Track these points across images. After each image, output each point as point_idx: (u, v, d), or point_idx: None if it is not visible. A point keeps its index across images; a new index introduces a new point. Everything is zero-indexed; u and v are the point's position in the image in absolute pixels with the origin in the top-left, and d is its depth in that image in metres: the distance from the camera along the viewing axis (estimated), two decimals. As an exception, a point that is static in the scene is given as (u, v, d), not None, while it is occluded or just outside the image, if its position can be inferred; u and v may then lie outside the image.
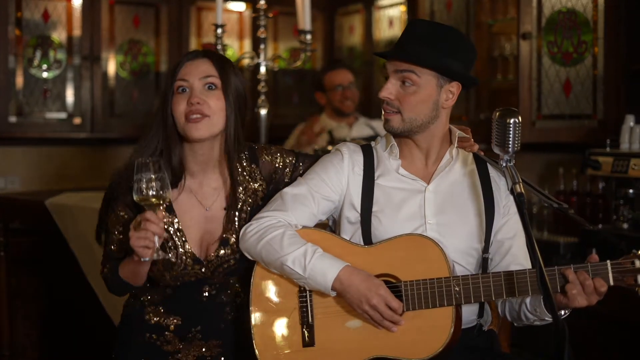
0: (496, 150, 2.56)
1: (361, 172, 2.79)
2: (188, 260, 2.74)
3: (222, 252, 2.77)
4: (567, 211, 2.78)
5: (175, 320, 2.81)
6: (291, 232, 2.67)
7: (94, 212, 4.51)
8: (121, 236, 2.77)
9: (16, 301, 5.38)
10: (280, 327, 2.70)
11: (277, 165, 2.90)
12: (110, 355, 2.91)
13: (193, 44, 6.67)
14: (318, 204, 2.77)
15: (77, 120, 6.29)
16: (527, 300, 2.67)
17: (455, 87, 2.73)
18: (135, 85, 6.52)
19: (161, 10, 6.56)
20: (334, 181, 2.78)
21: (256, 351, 2.68)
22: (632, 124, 4.45)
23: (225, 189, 2.82)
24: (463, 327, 2.67)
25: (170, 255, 2.66)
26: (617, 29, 4.58)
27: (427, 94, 2.70)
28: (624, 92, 4.59)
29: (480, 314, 2.79)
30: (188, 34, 6.65)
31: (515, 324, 2.85)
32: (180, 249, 2.73)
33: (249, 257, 2.73)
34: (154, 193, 2.44)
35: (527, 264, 2.79)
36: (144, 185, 2.44)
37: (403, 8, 6.31)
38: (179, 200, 2.78)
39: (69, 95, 6.25)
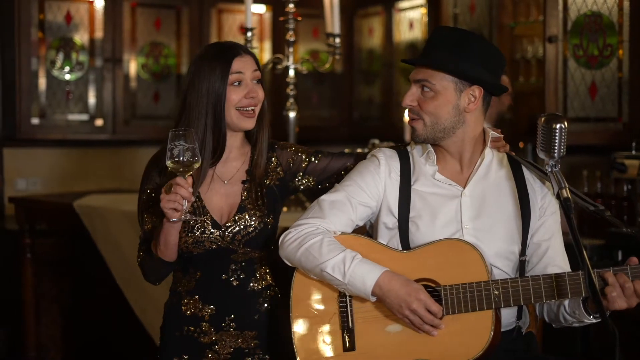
0: (541, 155, 2.57)
1: (398, 178, 2.81)
2: (207, 223, 2.86)
3: (238, 216, 2.88)
4: (604, 213, 2.78)
5: (209, 310, 2.91)
6: (329, 239, 2.69)
7: (124, 214, 4.58)
8: (150, 214, 2.92)
9: (41, 302, 5.41)
10: (321, 332, 2.72)
11: (292, 154, 3.02)
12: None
13: (214, 47, 6.67)
14: (355, 210, 2.78)
15: (98, 122, 6.32)
16: (566, 302, 2.68)
17: (477, 91, 2.75)
18: (156, 87, 6.55)
19: (182, 12, 6.59)
20: (371, 187, 2.80)
21: (297, 357, 2.70)
22: (657, 126, 4.46)
23: (244, 166, 2.97)
24: (502, 329, 2.68)
25: (194, 216, 2.83)
26: (644, 32, 4.58)
27: (445, 99, 2.73)
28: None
29: (519, 316, 2.80)
30: (209, 36, 6.67)
31: (553, 325, 2.86)
32: (202, 217, 2.87)
33: (289, 265, 2.75)
34: (185, 160, 2.61)
35: (564, 265, 2.80)
36: (175, 152, 2.60)
37: (424, 10, 6.32)
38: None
39: (91, 97, 6.28)
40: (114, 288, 4.84)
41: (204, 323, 2.92)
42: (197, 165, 2.66)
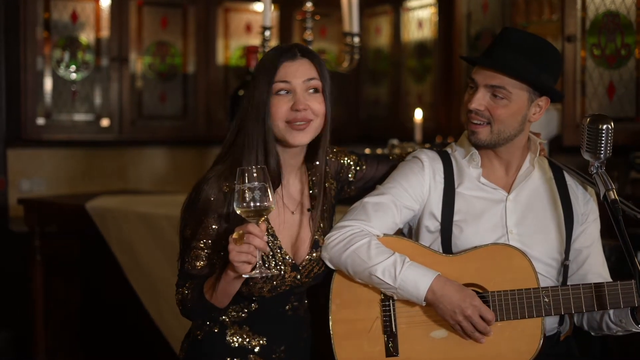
0: (586, 156, 2.53)
1: (442, 181, 2.76)
2: (286, 267, 2.60)
3: (314, 254, 2.66)
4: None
5: (260, 341, 2.68)
6: (377, 242, 2.64)
7: (138, 216, 4.52)
8: (207, 251, 2.55)
9: (50, 304, 5.34)
10: (362, 337, 2.66)
11: (342, 163, 2.82)
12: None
13: (220, 45, 6.62)
14: (400, 213, 2.73)
15: (104, 122, 6.24)
16: (611, 311, 2.65)
17: (544, 102, 2.70)
18: (163, 87, 6.47)
19: (189, 11, 6.52)
20: (416, 190, 2.75)
21: (338, 362, 2.66)
22: (676, 126, 4.44)
23: (305, 190, 2.69)
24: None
25: (270, 270, 2.49)
26: (660, 31, 4.56)
27: (517, 108, 2.66)
28: (668, 95, 4.58)
29: (561, 322, 2.77)
30: (215, 35, 6.60)
31: (592, 333, 2.83)
32: (279, 257, 2.59)
33: (331, 267, 2.69)
34: (259, 204, 2.28)
35: (604, 273, 2.78)
36: (247, 196, 2.28)
37: (433, 10, 6.27)
38: None
39: (97, 97, 6.20)
40: (126, 291, 4.79)
41: (252, 355, 2.67)
42: (272, 209, 2.30)
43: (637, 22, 4.61)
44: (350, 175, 2.84)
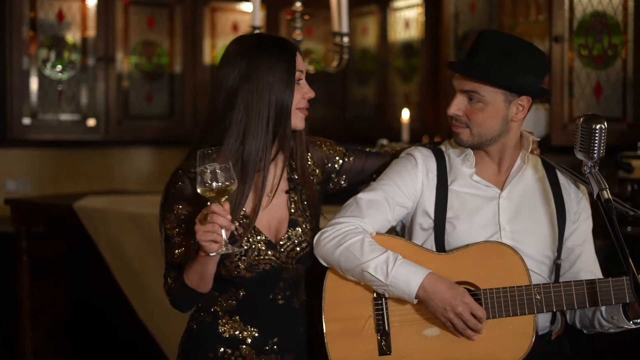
0: (580, 156, 2.54)
1: (435, 178, 2.76)
2: (261, 245, 2.64)
3: (292, 233, 2.69)
4: (641, 218, 2.78)
5: (252, 333, 2.70)
6: (370, 239, 2.63)
7: (127, 216, 4.51)
8: (181, 237, 2.61)
9: (37, 305, 5.32)
10: (355, 335, 2.65)
11: (327, 153, 2.86)
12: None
13: (207, 45, 6.62)
14: (393, 210, 2.73)
15: (91, 122, 6.24)
16: (603, 308, 2.66)
17: (525, 101, 2.70)
18: (149, 87, 6.47)
19: (175, 10, 6.52)
20: (409, 187, 2.75)
21: (330, 360, 2.65)
22: (662, 127, 4.47)
23: (284, 174, 2.75)
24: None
25: (236, 247, 2.53)
26: (647, 31, 4.59)
27: (494, 110, 2.67)
28: (654, 95, 4.61)
29: (553, 320, 2.77)
30: (202, 34, 6.61)
31: (585, 331, 2.84)
32: (251, 237, 2.63)
33: (324, 264, 2.69)
34: (219, 184, 2.35)
35: (596, 271, 2.79)
36: (208, 177, 2.34)
37: (420, 10, 6.29)
38: None
39: (83, 97, 6.21)
40: (113, 291, 4.77)
41: (244, 346, 2.69)
42: (233, 189, 2.38)
43: (624, 23, 4.64)
44: (336, 166, 2.86)
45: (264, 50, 2.62)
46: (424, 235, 2.76)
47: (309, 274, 2.76)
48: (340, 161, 2.87)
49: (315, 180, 2.81)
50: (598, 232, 4.53)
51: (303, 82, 2.67)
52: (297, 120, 2.67)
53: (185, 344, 2.78)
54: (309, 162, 2.81)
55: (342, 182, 2.90)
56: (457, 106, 2.69)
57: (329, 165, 2.86)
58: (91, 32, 6.20)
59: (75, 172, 6.41)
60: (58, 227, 5.20)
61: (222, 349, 2.70)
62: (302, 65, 2.66)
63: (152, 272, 4.36)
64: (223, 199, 2.38)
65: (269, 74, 2.59)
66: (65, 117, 6.14)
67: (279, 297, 2.72)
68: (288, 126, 2.63)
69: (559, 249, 2.74)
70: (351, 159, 2.89)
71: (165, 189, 2.66)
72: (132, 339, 4.97)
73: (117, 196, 5.32)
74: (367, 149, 2.96)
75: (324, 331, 2.66)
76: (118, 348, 5.25)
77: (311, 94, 2.68)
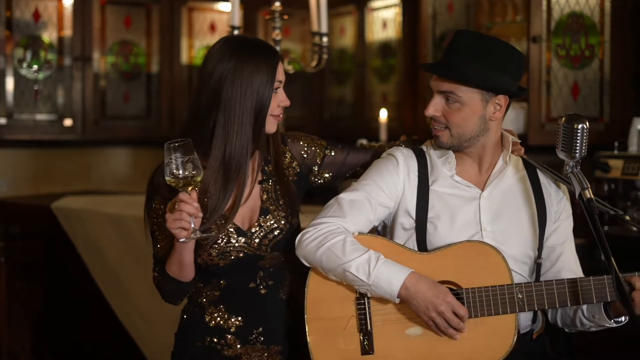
0: (562, 155, 2.56)
1: (416, 178, 2.77)
2: (231, 231, 2.72)
3: (262, 220, 2.76)
4: (624, 217, 2.79)
5: (236, 321, 2.77)
6: (352, 239, 2.64)
7: (106, 217, 4.49)
8: (164, 230, 2.70)
9: (14, 305, 5.29)
10: (338, 335, 2.66)
11: (305, 146, 2.93)
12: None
13: (184, 45, 6.60)
14: (375, 211, 2.74)
15: (67, 122, 6.20)
16: (584, 306, 2.68)
17: (502, 100, 2.71)
18: (126, 87, 6.44)
19: (152, 10, 6.49)
20: (390, 187, 2.75)
21: (313, 360, 2.65)
22: (639, 127, 4.49)
23: (258, 166, 2.83)
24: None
25: (205, 234, 2.63)
26: (624, 32, 4.62)
27: (472, 110, 2.69)
28: (630, 95, 4.64)
29: (534, 319, 2.79)
30: (179, 34, 6.59)
31: (566, 330, 2.86)
32: (219, 222, 2.72)
33: (306, 264, 2.69)
34: (186, 174, 2.46)
35: (577, 270, 2.81)
36: (174, 167, 2.46)
37: (398, 10, 6.30)
38: None
39: (60, 97, 6.16)
40: (91, 292, 4.75)
41: (229, 335, 2.78)
42: (199, 178, 2.50)
43: (601, 23, 4.67)
44: (318, 160, 2.92)
45: (250, 53, 2.70)
46: (405, 235, 2.76)
47: (299, 266, 2.77)
48: (322, 155, 2.93)
49: (291, 171, 2.88)
50: (575, 231, 4.59)
51: (280, 90, 2.77)
52: (270, 125, 2.76)
53: (178, 334, 2.89)
54: (287, 155, 2.88)
55: (326, 175, 2.95)
56: (435, 107, 2.72)
57: (309, 158, 2.92)
58: (68, 32, 6.15)
59: (51, 173, 6.37)
60: (35, 228, 5.17)
61: (209, 339, 2.79)
62: (282, 75, 2.75)
63: (131, 272, 4.35)
64: (190, 188, 2.49)
65: (254, 77, 2.69)
66: (41, 117, 6.10)
67: (261, 286, 2.78)
68: (263, 130, 2.74)
69: (540, 248, 2.76)
70: (333, 152, 2.94)
71: (147, 186, 2.79)
72: (110, 339, 4.95)
73: (95, 196, 5.30)
74: (353, 146, 3.03)
75: (307, 331, 2.67)
76: (96, 348, 5.22)
77: (286, 103, 2.78)
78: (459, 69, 2.66)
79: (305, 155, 2.91)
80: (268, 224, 2.77)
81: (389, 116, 5.76)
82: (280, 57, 2.78)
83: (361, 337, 2.65)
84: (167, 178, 2.48)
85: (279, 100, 2.76)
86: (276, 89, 2.74)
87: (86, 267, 4.64)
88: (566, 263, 2.79)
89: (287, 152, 2.88)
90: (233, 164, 2.68)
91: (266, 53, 2.74)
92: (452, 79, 2.66)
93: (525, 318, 2.75)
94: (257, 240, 2.75)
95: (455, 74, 2.66)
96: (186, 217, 2.48)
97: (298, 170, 2.89)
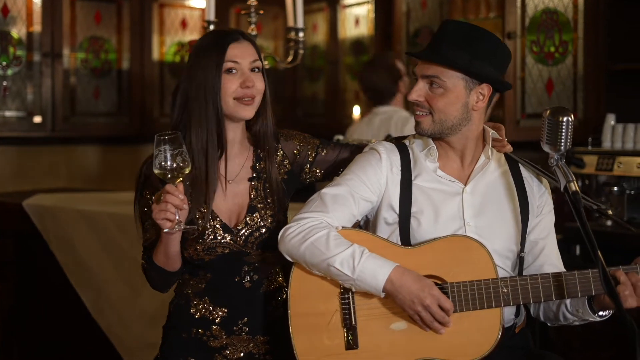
0: (546, 148, 2.56)
1: (399, 173, 2.76)
2: (217, 227, 2.74)
3: (249, 218, 2.76)
4: (607, 212, 2.80)
5: (221, 313, 2.79)
6: (335, 234, 2.62)
7: (80, 214, 4.43)
8: (149, 221, 2.76)
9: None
10: (322, 330, 2.64)
11: (298, 144, 2.91)
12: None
13: (155, 41, 6.55)
14: (358, 205, 2.72)
15: (37, 119, 6.12)
16: (567, 301, 2.68)
17: (485, 89, 2.71)
18: (97, 83, 6.37)
19: (123, 6, 6.44)
20: (373, 182, 2.74)
21: (297, 356, 2.63)
22: (613, 122, 4.53)
23: (248, 162, 2.84)
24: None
25: (189, 226, 2.65)
26: (597, 29, 4.66)
27: (455, 96, 2.68)
28: (604, 91, 4.67)
29: (517, 313, 2.79)
30: (150, 30, 6.54)
31: (549, 324, 2.86)
32: (210, 220, 2.74)
33: (289, 259, 2.67)
34: (174, 166, 2.50)
35: (559, 264, 2.81)
36: (162, 158, 2.49)
37: (370, 7, 6.30)
38: None
39: (29, 93, 6.08)
40: (63, 290, 4.69)
41: (215, 326, 2.80)
42: (187, 171, 2.52)
43: (574, 20, 4.70)
44: (309, 158, 2.90)
45: (203, 46, 2.74)
46: (388, 229, 2.75)
47: (284, 261, 2.76)
48: (314, 153, 2.91)
49: (282, 170, 2.87)
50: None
51: (243, 72, 2.71)
52: (240, 110, 2.73)
53: (165, 326, 2.91)
54: (279, 153, 2.87)
55: (318, 173, 2.94)
56: (418, 92, 2.71)
57: (300, 157, 2.90)
58: (37, 28, 6.07)
59: (20, 170, 6.29)
60: (6, 226, 5.09)
61: (194, 330, 2.81)
62: (243, 55, 2.70)
63: (105, 268, 4.31)
64: (177, 181, 2.52)
65: (201, 62, 2.70)
66: (10, 113, 6.02)
67: (245, 280, 2.80)
68: (221, 116, 2.72)
69: (522, 243, 2.76)
70: (324, 151, 2.93)
71: (137, 177, 2.82)
72: (82, 338, 4.90)
73: (69, 194, 5.24)
74: (344, 143, 3.05)
75: (290, 326, 2.64)
76: (69, 348, 5.16)
77: (250, 84, 2.70)
78: (445, 54, 2.66)
79: (297, 154, 2.90)
80: (255, 221, 2.77)
81: (361, 113, 5.74)
82: (243, 37, 2.74)
83: (345, 332, 2.63)
84: (155, 170, 2.51)
85: (240, 81, 2.70)
86: (231, 69, 2.69)
87: (58, 265, 4.58)
88: (548, 257, 2.79)
89: (279, 150, 2.87)
90: (199, 153, 2.71)
91: (218, 37, 2.74)
92: (437, 62, 2.67)
93: (509, 312, 2.75)
94: (243, 238, 2.75)
95: (441, 58, 2.66)
96: (171, 209, 2.51)
97: (289, 168, 2.89)
